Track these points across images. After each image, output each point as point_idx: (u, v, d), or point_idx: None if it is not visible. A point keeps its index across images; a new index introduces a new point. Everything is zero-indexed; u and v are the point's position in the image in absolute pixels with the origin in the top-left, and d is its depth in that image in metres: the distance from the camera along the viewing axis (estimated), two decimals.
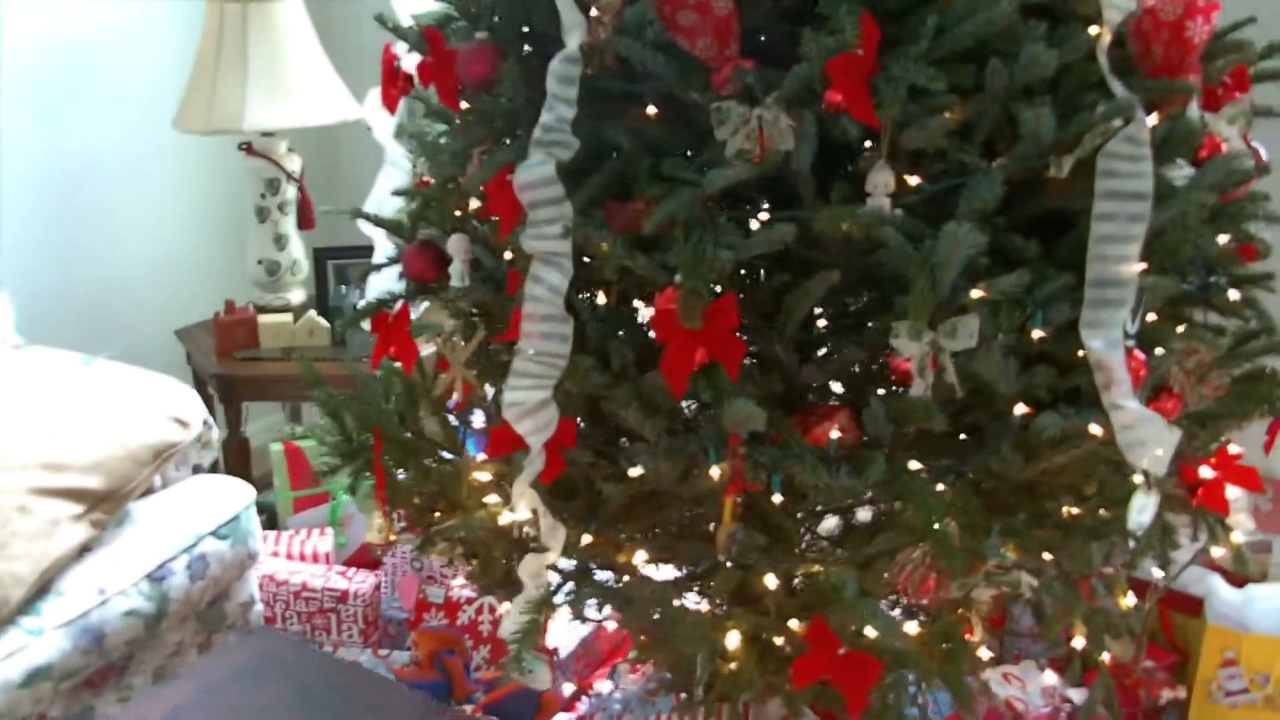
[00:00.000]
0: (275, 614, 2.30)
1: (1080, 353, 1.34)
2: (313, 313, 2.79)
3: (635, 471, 1.43)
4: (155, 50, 3.01)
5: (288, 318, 2.78)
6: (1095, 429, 1.37)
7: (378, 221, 1.80)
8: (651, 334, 1.59)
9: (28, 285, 2.38)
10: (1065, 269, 1.32)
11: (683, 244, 1.30)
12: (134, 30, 2.96)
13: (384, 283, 1.84)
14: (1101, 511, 1.51)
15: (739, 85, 1.30)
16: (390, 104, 1.75)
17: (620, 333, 1.48)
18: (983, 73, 1.28)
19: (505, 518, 1.64)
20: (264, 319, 2.76)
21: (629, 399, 1.40)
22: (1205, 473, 1.62)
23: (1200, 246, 1.42)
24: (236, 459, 2.69)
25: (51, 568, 1.80)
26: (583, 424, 1.56)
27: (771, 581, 1.50)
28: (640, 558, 1.55)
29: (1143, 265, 1.30)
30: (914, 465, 1.40)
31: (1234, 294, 1.55)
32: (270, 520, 2.67)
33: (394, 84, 1.73)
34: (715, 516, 1.62)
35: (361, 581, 2.33)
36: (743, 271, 1.46)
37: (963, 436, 1.50)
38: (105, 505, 1.89)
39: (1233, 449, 1.66)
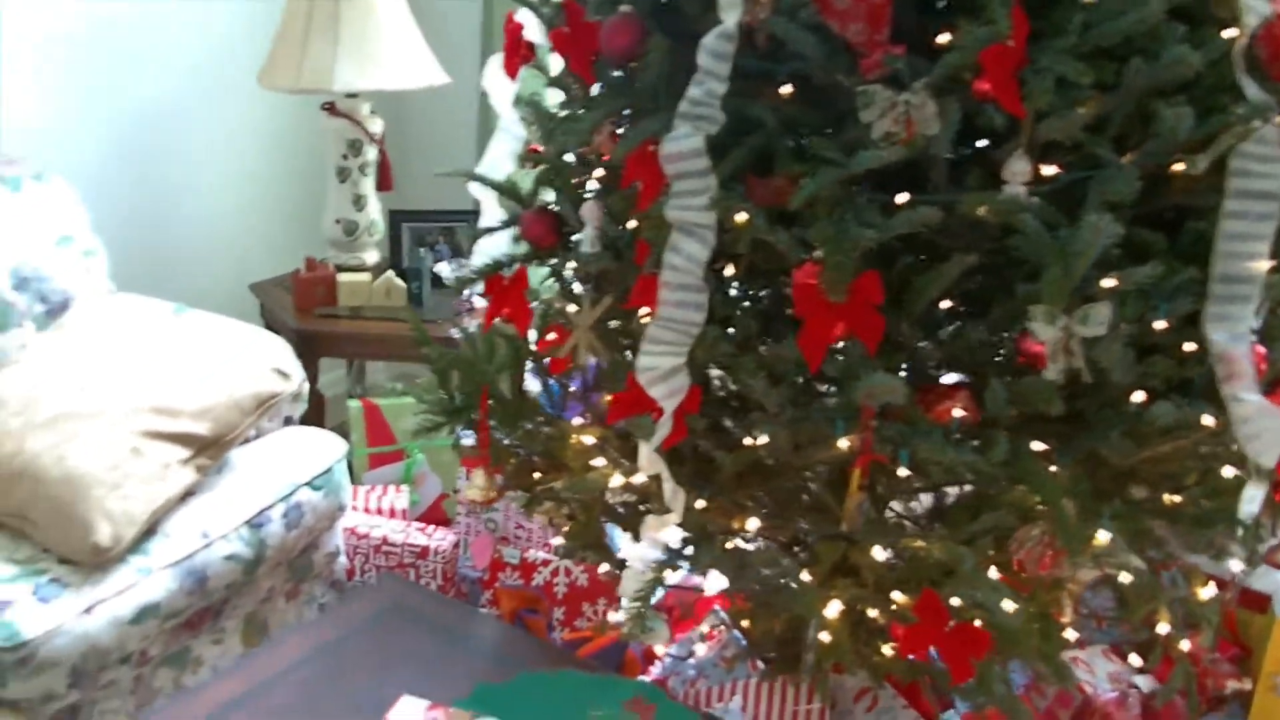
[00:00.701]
0: (355, 566, 2.36)
1: (1188, 345, 1.40)
2: (390, 273, 2.84)
3: (760, 440, 1.48)
4: (236, 3, 3.05)
5: (366, 277, 2.84)
6: (1208, 420, 1.43)
7: (494, 185, 1.84)
8: (776, 306, 1.66)
9: (109, 234, 2.43)
10: (1188, 263, 1.38)
11: (825, 221, 1.34)
12: None
13: (492, 246, 1.88)
14: (1203, 501, 1.56)
15: (886, 70, 1.35)
16: (512, 72, 1.80)
17: (746, 303, 1.54)
18: (1122, 69, 1.33)
19: (616, 480, 1.69)
20: (343, 277, 2.82)
21: (755, 368, 1.46)
22: None
23: None
24: (312, 413, 2.74)
25: (161, 509, 1.86)
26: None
27: (880, 554, 1.55)
28: (753, 524, 1.60)
29: (1271, 263, 1.35)
30: (1036, 446, 1.44)
31: None
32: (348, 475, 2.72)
33: (517, 52, 1.78)
34: (826, 490, 1.69)
35: (441, 539, 2.39)
36: (880, 258, 1.50)
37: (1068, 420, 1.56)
38: (210, 451, 1.95)
39: None
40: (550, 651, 1.66)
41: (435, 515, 2.63)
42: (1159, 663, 1.96)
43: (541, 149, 1.87)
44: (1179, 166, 1.39)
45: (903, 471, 1.43)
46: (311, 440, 2.19)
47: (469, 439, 1.96)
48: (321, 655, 1.55)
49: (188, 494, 1.94)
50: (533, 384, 1.94)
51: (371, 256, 3.00)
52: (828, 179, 1.34)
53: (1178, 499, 1.59)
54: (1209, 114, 1.36)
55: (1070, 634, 1.74)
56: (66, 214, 2.30)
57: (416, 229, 3.00)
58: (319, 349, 2.77)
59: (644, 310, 1.55)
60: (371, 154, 2.91)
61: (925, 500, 1.82)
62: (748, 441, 1.54)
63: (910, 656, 1.76)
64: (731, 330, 1.51)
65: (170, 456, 1.88)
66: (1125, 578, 1.60)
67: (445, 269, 2.83)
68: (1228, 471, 1.58)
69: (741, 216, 1.41)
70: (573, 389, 2.01)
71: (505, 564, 2.36)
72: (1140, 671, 2.19)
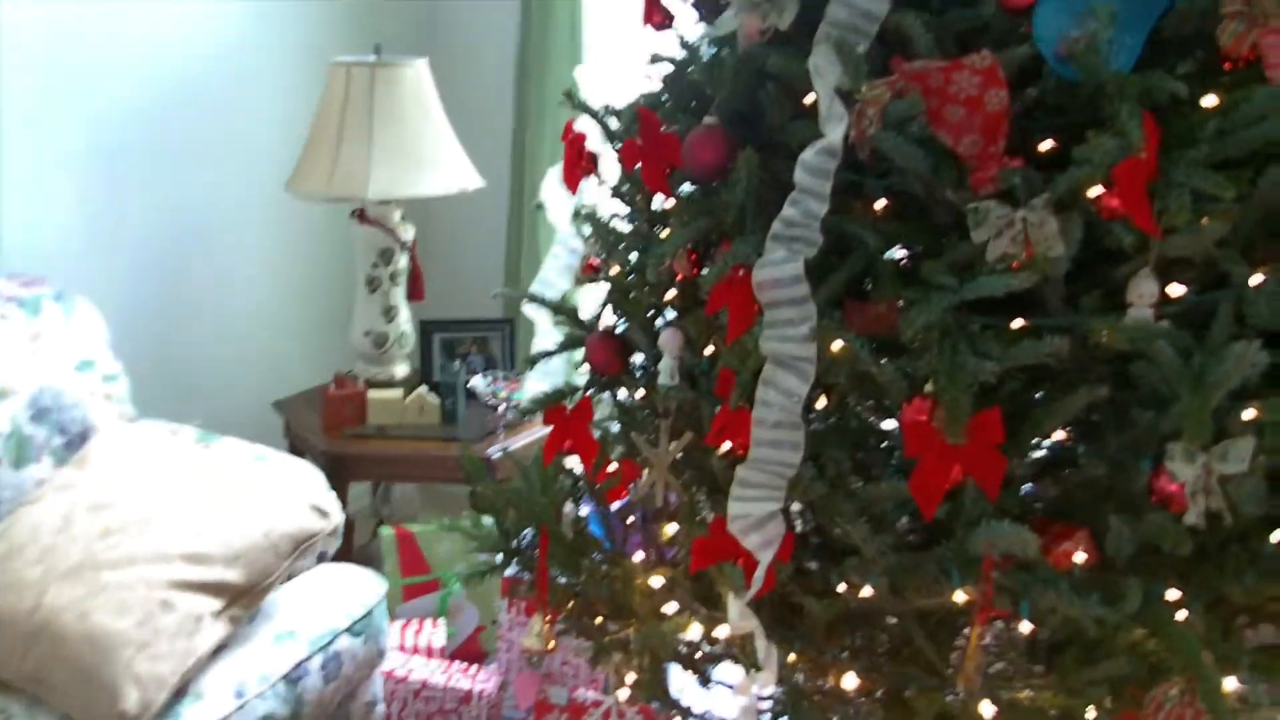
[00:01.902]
0: (391, 713, 2.22)
1: None
2: (423, 389, 2.74)
3: (865, 591, 1.37)
4: (265, 112, 3.00)
5: (398, 394, 2.73)
6: None
7: (552, 305, 1.75)
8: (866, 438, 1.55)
9: (127, 353, 2.33)
10: None
11: (938, 352, 1.24)
12: (249, 89, 2.95)
13: (549, 370, 1.79)
14: None
15: (1000, 185, 1.26)
16: (573, 184, 1.72)
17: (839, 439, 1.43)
18: (1256, 177, 1.24)
19: (694, 632, 1.57)
20: (374, 394, 2.71)
21: (854, 514, 1.35)
22: None
23: None
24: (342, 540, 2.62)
25: (193, 668, 1.74)
26: None
27: (989, 710, 1.43)
28: (850, 681, 1.48)
29: None
30: (1172, 594, 1.33)
31: None
32: None
33: (579, 164, 1.70)
34: (925, 636, 1.57)
35: (485, 681, 2.26)
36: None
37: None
38: (244, 600, 1.83)
39: None
40: None
41: (472, 648, 2.50)
42: None
43: (599, 265, 1.79)
44: None
45: (1025, 626, 1.31)
46: (348, 580, 2.06)
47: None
48: None
49: (220, 647, 1.81)
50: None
51: (401, 369, 2.90)
52: (941, 306, 1.24)
53: None
54: None
55: None
56: (88, 337, 2.21)
57: (447, 339, 2.91)
58: (349, 472, 2.66)
59: (725, 447, 1.45)
60: (403, 262, 2.83)
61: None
62: (841, 588, 1.43)
63: None
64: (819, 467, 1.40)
65: (202, 608, 1.76)
66: None
67: (480, 383, 2.73)
68: None
69: (839, 344, 1.31)
70: (629, 520, 1.90)
71: (552, 705, 2.23)
72: None
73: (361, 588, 2.05)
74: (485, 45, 3.27)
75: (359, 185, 2.61)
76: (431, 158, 2.69)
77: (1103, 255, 1.31)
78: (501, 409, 2.73)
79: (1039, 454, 1.47)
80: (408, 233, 2.81)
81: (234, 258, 3.00)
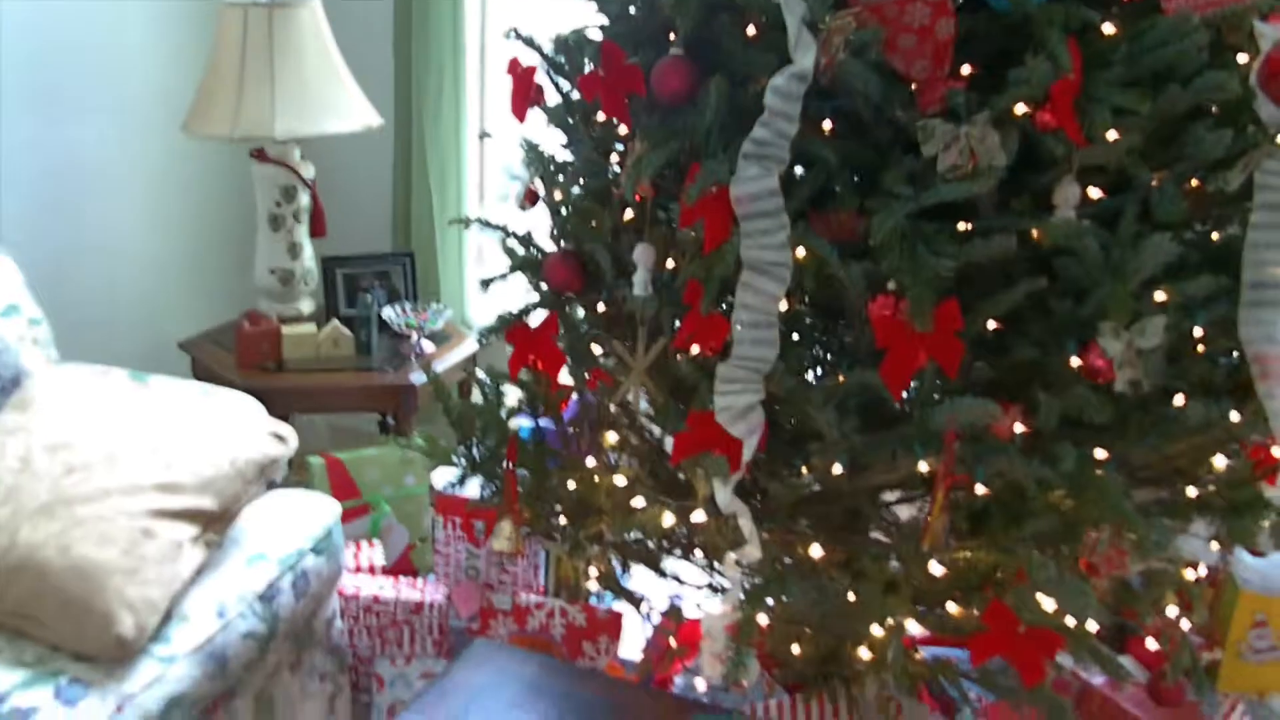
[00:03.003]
0: (344, 628, 2.28)
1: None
2: (336, 322, 2.76)
3: (835, 470, 1.51)
4: (152, 55, 2.94)
5: (311, 328, 2.75)
6: (1235, 417, 1.52)
7: (502, 230, 1.83)
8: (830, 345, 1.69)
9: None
10: (1219, 273, 1.46)
11: (901, 253, 1.38)
12: (133, 33, 2.88)
13: (516, 294, 1.87)
14: (1230, 493, 1.66)
15: (944, 105, 1.40)
16: (521, 115, 1.78)
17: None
18: (1158, 95, 1.41)
19: (668, 519, 1.69)
20: (288, 330, 2.73)
21: (824, 401, 1.48)
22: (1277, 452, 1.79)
23: None
24: None
25: (179, 592, 1.77)
26: None
27: (937, 569, 1.60)
28: (816, 552, 1.62)
29: None
30: (1100, 454, 1.51)
31: None
32: None
33: (526, 96, 1.77)
34: (876, 513, 1.73)
35: (435, 592, 2.34)
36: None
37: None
38: (217, 525, 1.86)
39: None
40: (665, 702, 1.64)
41: (405, 565, 2.57)
42: (1169, 644, 2.07)
43: (542, 192, 1.86)
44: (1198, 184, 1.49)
45: (981, 488, 1.47)
46: (302, 503, 2.11)
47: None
48: None
49: (198, 571, 1.85)
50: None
51: (307, 305, 2.92)
52: (900, 213, 1.37)
53: (1196, 492, 1.68)
54: (1237, 134, 1.45)
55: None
56: (9, 283, 2.17)
57: (349, 274, 2.93)
58: (270, 407, 2.66)
59: (694, 349, 1.56)
60: (305, 200, 2.83)
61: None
62: (804, 472, 1.58)
63: (929, 660, 1.83)
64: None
65: (181, 535, 1.79)
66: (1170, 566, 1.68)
67: (391, 314, 2.77)
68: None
69: (801, 252, 1.44)
70: (574, 430, 2.01)
71: (497, 611, 2.33)
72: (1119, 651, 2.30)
73: (316, 509, 2.10)
74: None
75: (265, 126, 2.60)
76: (333, 97, 2.69)
77: (1028, 165, 1.47)
78: (414, 338, 2.78)
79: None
80: (308, 170, 2.82)
81: (128, 200, 2.96)
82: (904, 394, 1.49)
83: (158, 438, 1.89)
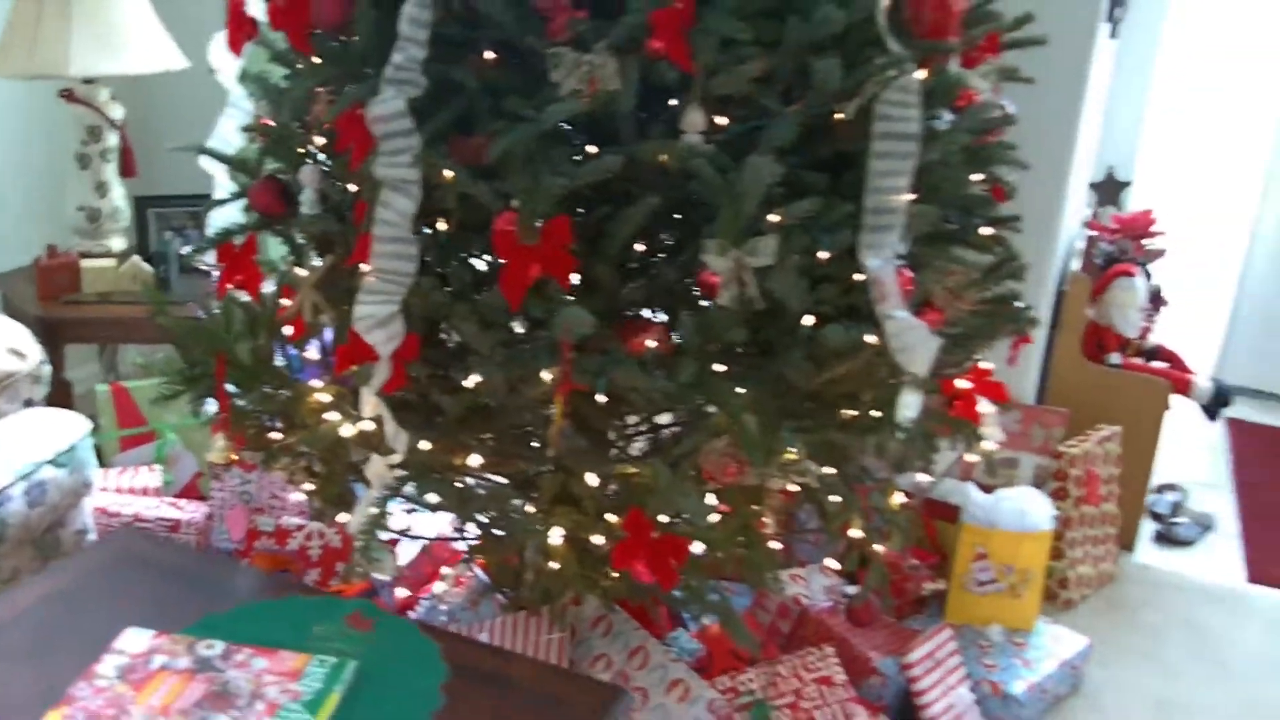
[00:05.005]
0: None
1: (858, 274, 1.54)
2: (136, 258, 2.78)
3: (472, 380, 1.55)
4: None
5: (111, 263, 2.77)
6: (871, 339, 1.57)
7: (223, 159, 1.85)
8: (486, 261, 1.72)
9: None
10: (848, 200, 1.51)
11: (521, 172, 1.42)
12: None
13: (225, 217, 1.89)
14: (874, 412, 1.71)
15: (572, 33, 1.44)
16: (236, 48, 1.81)
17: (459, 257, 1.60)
18: (783, 28, 1.46)
19: (346, 430, 1.73)
20: (87, 264, 2.74)
21: (468, 315, 1.53)
22: (960, 383, 1.86)
23: (959, 183, 1.63)
24: (59, 402, 2.66)
25: None
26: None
27: (592, 480, 1.65)
28: (475, 460, 1.67)
29: (912, 196, 1.50)
30: (718, 368, 1.56)
31: (988, 230, 1.79)
32: (98, 459, 2.66)
33: (241, 28, 1.79)
34: (541, 427, 1.77)
35: (194, 511, 2.37)
36: (578, 207, 1.58)
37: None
38: None
39: (983, 366, 1.91)
40: (279, 583, 1.67)
41: (192, 493, 2.60)
42: (855, 565, 2.13)
43: (271, 122, 1.89)
44: (838, 115, 1.53)
45: (601, 398, 1.52)
46: (53, 420, 2.14)
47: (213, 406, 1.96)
48: (54, 600, 1.52)
49: None
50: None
51: (118, 243, 2.93)
52: (520, 134, 1.41)
53: (854, 413, 1.73)
54: (859, 66, 1.50)
55: (775, 544, 1.88)
56: None
57: (163, 214, 2.95)
58: (65, 335, 2.70)
59: (365, 267, 1.60)
60: (113, 140, 2.84)
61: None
62: (469, 382, 1.62)
63: (632, 578, 1.88)
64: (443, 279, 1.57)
65: None
66: (816, 483, 1.73)
67: (192, 252, 2.80)
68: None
69: (448, 174, 1.48)
70: (314, 357, 2.04)
71: (260, 532, 2.36)
72: (851, 583, 2.37)
73: (67, 427, 2.12)
74: None
75: (59, 64, 2.60)
76: (134, 38, 2.70)
77: (668, 94, 1.52)
78: (214, 276, 2.80)
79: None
80: (117, 111, 2.83)
81: None
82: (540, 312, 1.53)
83: None
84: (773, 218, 1.46)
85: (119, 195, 2.90)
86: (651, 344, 1.52)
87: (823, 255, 1.52)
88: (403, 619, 1.54)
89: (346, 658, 1.38)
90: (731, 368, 1.63)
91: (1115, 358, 2.99)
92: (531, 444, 1.73)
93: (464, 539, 2.02)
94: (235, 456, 1.85)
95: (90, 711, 1.27)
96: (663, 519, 1.60)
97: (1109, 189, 3.78)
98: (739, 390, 1.55)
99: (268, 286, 1.87)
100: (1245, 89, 4.62)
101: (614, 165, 1.42)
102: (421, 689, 1.34)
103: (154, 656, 1.38)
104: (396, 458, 1.56)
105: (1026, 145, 2.07)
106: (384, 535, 1.81)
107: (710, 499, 1.69)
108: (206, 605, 1.50)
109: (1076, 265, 3.17)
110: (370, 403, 1.53)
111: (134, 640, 1.40)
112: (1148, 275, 3.35)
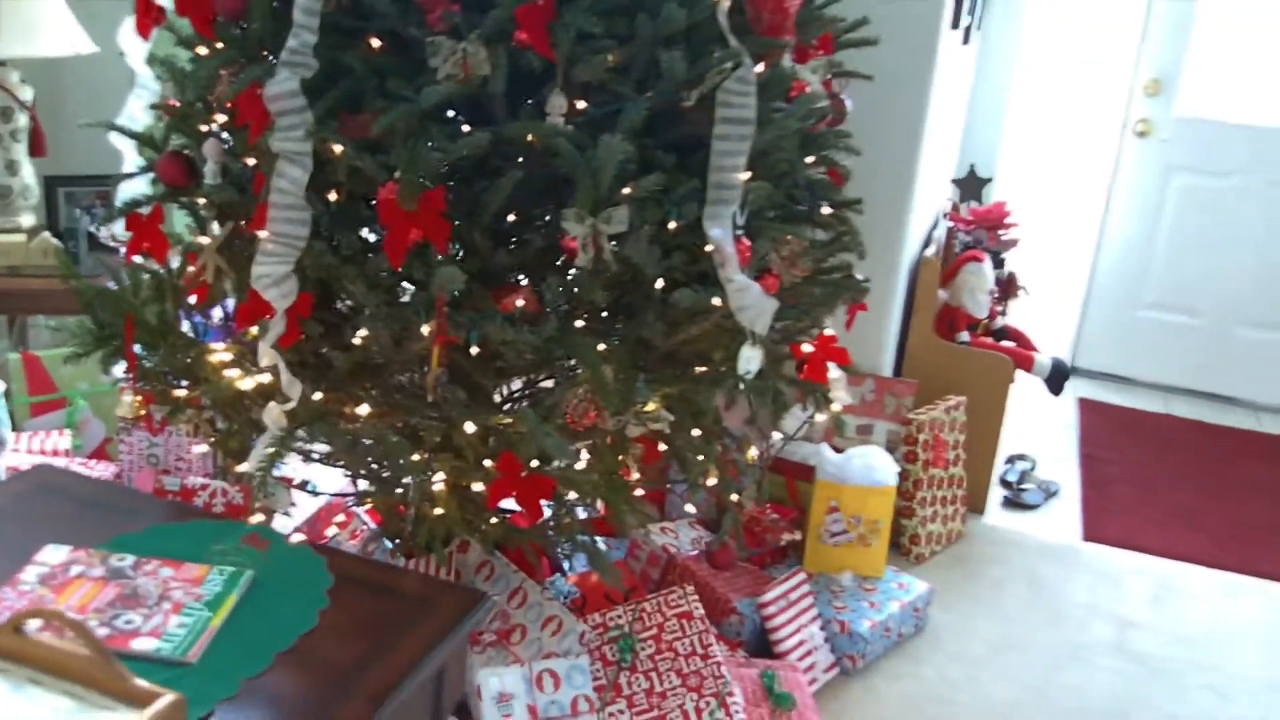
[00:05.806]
0: None
1: (708, 246, 1.73)
2: (46, 234, 2.88)
3: (360, 337, 1.72)
4: None
5: (20, 238, 2.86)
6: (716, 301, 1.77)
7: (132, 135, 1.99)
8: (374, 230, 1.88)
9: None
10: (695, 177, 1.71)
11: (402, 146, 1.59)
12: None
13: (133, 190, 2.03)
14: (723, 369, 1.91)
15: (448, 24, 1.61)
16: (144, 32, 1.94)
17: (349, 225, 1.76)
18: (634, 23, 1.64)
19: (246, 383, 1.88)
20: None
21: (356, 276, 1.69)
22: (807, 349, 2.06)
23: (795, 164, 1.84)
24: None
25: None
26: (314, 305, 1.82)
27: (470, 428, 1.81)
28: (363, 410, 1.83)
29: (748, 174, 1.69)
30: (579, 324, 1.74)
31: (828, 210, 1.99)
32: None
33: (148, 15, 1.93)
34: (424, 378, 1.94)
35: (102, 470, 2.49)
36: (455, 181, 1.74)
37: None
38: None
39: (828, 333, 2.11)
40: (184, 510, 1.82)
41: (100, 456, 2.71)
42: (714, 511, 2.33)
43: (176, 102, 2.03)
44: (684, 102, 1.72)
45: (475, 350, 1.69)
46: None
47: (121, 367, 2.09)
48: None
49: None
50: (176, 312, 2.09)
51: (27, 220, 3.01)
52: (401, 113, 1.58)
53: (704, 369, 1.93)
54: (701, 60, 1.69)
55: (639, 491, 2.05)
56: None
57: (73, 193, 3.05)
58: None
59: (263, 233, 1.75)
60: (23, 120, 2.93)
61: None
62: (357, 338, 1.78)
63: (508, 522, 2.05)
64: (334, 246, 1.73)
65: None
66: (668, 428, 1.92)
67: (101, 229, 2.91)
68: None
69: (337, 148, 1.64)
70: (219, 321, 2.19)
71: (167, 491, 2.48)
72: (715, 534, 2.57)
73: None
74: None
75: None
76: (45, 22, 2.79)
77: (536, 80, 1.69)
78: (122, 251, 2.92)
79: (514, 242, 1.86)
80: (26, 93, 2.92)
81: None
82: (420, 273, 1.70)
83: None
84: (625, 190, 1.65)
85: (29, 174, 2.98)
86: (520, 303, 1.70)
87: (672, 226, 1.71)
88: (293, 544, 1.69)
89: (244, 568, 1.54)
90: (594, 326, 1.82)
91: (965, 336, 3.23)
92: (415, 396, 1.89)
93: (356, 493, 2.17)
94: (143, 412, 1.98)
95: (15, 610, 1.41)
96: (535, 465, 1.78)
97: (970, 185, 4.04)
98: (599, 346, 1.74)
99: (174, 260, 2.01)
100: (1097, 90, 4.93)
101: (482, 141, 1.59)
102: (310, 594, 1.51)
103: (71, 566, 1.52)
104: (291, 405, 1.72)
105: (878, 139, 2.28)
106: (280, 477, 1.95)
107: (581, 453, 1.88)
108: (119, 527, 1.64)
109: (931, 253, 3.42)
110: (267, 354, 1.68)
111: (53, 554, 1.55)
112: (1000, 263, 3.61)
